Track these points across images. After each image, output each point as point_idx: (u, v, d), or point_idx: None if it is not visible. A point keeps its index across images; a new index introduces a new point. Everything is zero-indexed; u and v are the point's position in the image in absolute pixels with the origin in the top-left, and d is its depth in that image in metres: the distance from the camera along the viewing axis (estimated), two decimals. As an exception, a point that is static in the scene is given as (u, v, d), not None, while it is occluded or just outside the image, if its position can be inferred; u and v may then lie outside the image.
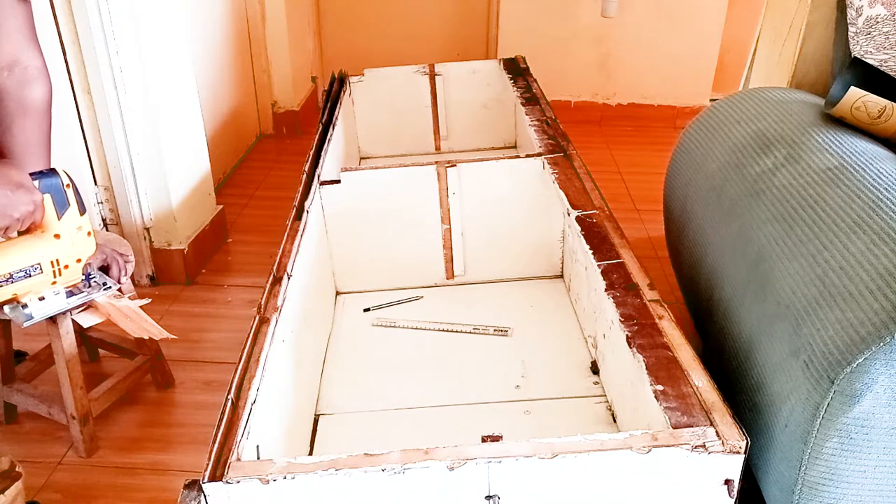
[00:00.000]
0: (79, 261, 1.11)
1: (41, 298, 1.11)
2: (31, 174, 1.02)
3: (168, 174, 1.80)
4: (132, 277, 1.46)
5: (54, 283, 1.10)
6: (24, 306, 1.10)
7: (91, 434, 1.36)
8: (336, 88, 2.02)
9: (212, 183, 2.05)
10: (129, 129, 1.71)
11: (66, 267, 1.09)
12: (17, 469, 1.19)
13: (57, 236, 1.07)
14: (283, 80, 2.80)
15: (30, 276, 1.06)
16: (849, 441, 0.80)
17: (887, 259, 0.86)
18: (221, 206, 2.10)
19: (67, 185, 1.06)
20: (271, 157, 2.72)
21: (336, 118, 1.79)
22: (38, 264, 1.06)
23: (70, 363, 1.28)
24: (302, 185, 1.45)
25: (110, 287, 1.20)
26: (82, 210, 1.09)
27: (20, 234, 1.05)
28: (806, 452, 0.83)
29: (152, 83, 1.72)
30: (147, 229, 1.85)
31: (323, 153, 1.57)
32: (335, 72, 2.12)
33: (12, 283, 1.05)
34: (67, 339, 1.28)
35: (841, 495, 0.84)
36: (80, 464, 1.36)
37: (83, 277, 1.15)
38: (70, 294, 1.15)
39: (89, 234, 1.11)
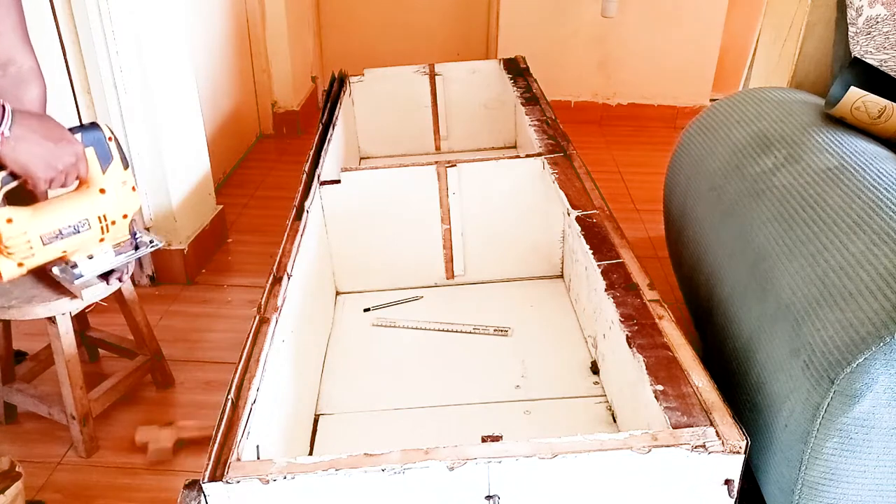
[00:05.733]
0: (125, 216, 1.09)
1: (90, 257, 1.09)
2: (72, 128, 1.01)
3: (168, 174, 1.80)
4: (132, 277, 1.46)
5: (102, 239, 1.08)
6: (74, 266, 1.09)
7: (91, 434, 1.36)
8: (336, 88, 2.02)
9: (212, 183, 2.05)
10: (129, 129, 1.71)
11: (113, 223, 1.08)
12: (17, 469, 1.19)
13: (102, 191, 1.05)
14: (283, 80, 2.80)
15: (78, 231, 1.04)
16: (849, 441, 0.80)
17: (887, 259, 0.86)
18: (221, 206, 2.10)
19: (110, 139, 1.04)
20: (271, 157, 2.72)
21: (336, 118, 1.79)
22: (87, 220, 1.05)
23: (70, 363, 1.29)
24: (302, 185, 1.45)
25: (157, 244, 1.18)
26: (126, 164, 1.07)
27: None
28: (806, 452, 0.83)
29: (152, 83, 1.72)
30: (147, 229, 1.85)
31: (323, 153, 1.57)
32: (335, 72, 2.12)
33: (62, 238, 1.03)
34: (67, 339, 1.28)
35: (841, 495, 0.84)
36: (80, 464, 1.36)
37: (130, 236, 1.13)
38: (118, 253, 1.13)
39: (133, 189, 1.09)
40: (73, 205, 1.04)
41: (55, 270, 1.11)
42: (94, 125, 1.03)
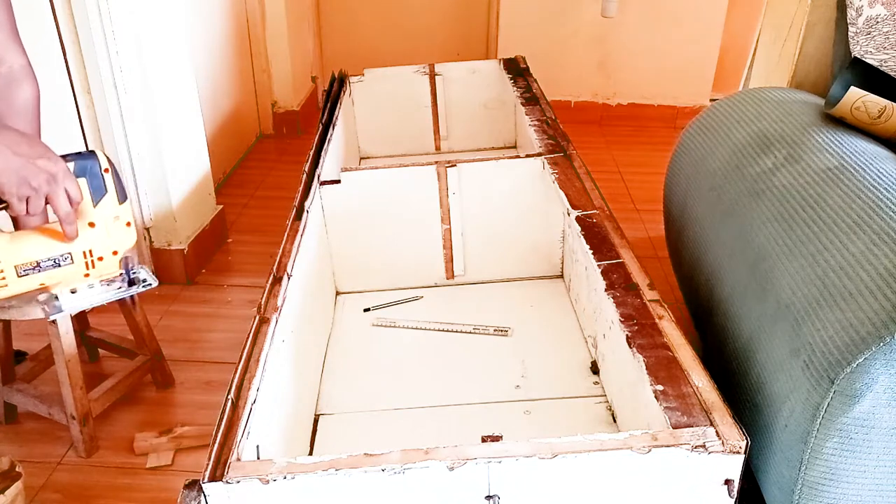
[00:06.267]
0: (115, 253, 1.02)
1: (73, 291, 1.03)
2: (65, 155, 0.94)
3: (168, 174, 1.80)
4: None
5: (87, 275, 1.02)
6: (56, 299, 1.03)
7: (91, 434, 1.36)
8: (336, 88, 2.02)
9: (212, 183, 2.05)
10: (129, 129, 1.71)
11: (100, 259, 1.01)
12: (17, 469, 1.19)
13: (91, 225, 0.99)
14: (283, 80, 2.80)
15: (59, 265, 0.98)
16: (849, 441, 0.80)
17: (887, 259, 0.86)
18: (221, 206, 2.10)
19: (106, 170, 0.98)
20: (271, 157, 2.72)
21: (336, 118, 1.79)
22: (69, 253, 0.98)
23: (70, 363, 1.28)
24: (302, 185, 1.45)
25: (151, 284, 1.12)
26: (122, 198, 1.01)
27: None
28: (806, 452, 0.83)
29: (152, 83, 1.72)
30: (147, 229, 1.85)
31: (323, 153, 1.57)
32: (335, 72, 2.12)
33: (39, 271, 0.97)
34: (67, 339, 1.28)
35: (841, 495, 0.84)
36: (80, 464, 1.36)
37: (122, 272, 1.06)
38: (107, 287, 1.07)
39: (128, 224, 1.02)
40: (55, 236, 0.97)
41: (39, 298, 1.05)
42: (91, 153, 0.97)
